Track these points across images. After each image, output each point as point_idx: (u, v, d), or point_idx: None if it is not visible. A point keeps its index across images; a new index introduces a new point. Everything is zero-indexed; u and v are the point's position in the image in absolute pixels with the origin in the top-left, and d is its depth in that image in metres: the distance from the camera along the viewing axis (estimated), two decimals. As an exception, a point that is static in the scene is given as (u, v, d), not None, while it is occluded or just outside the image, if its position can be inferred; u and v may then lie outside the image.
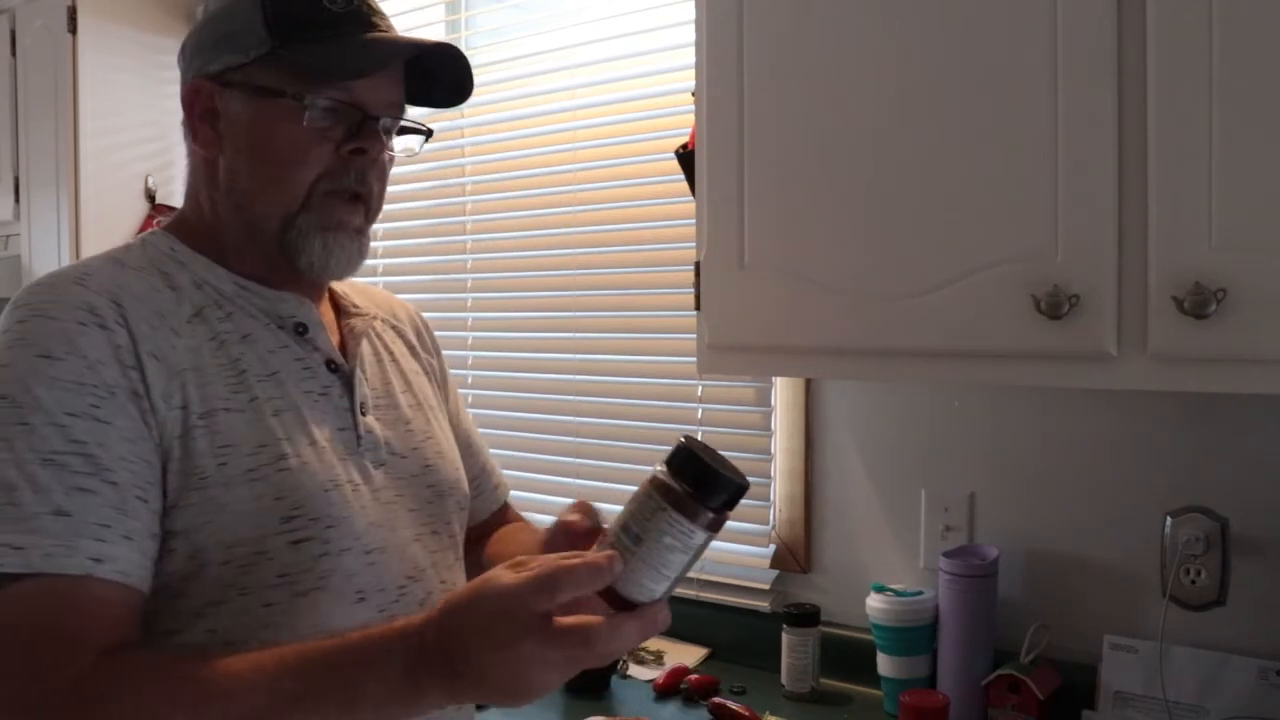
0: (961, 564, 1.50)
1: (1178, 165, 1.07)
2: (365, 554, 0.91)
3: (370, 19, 0.93)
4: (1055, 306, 1.12)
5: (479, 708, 1.57)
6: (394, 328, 1.12)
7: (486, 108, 2.16)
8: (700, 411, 1.87)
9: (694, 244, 1.41)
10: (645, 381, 1.93)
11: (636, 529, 0.72)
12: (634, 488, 0.74)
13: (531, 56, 2.08)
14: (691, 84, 1.43)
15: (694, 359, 1.43)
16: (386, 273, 2.33)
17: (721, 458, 0.76)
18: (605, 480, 1.99)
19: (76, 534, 0.76)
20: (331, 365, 0.96)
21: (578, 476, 2.02)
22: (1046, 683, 1.42)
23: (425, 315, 1.22)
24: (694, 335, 1.42)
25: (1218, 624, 1.37)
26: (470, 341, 2.19)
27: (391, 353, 1.08)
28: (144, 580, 0.80)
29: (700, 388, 1.86)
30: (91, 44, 2.36)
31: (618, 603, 0.72)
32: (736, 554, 1.83)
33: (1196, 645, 1.38)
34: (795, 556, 1.77)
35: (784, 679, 1.64)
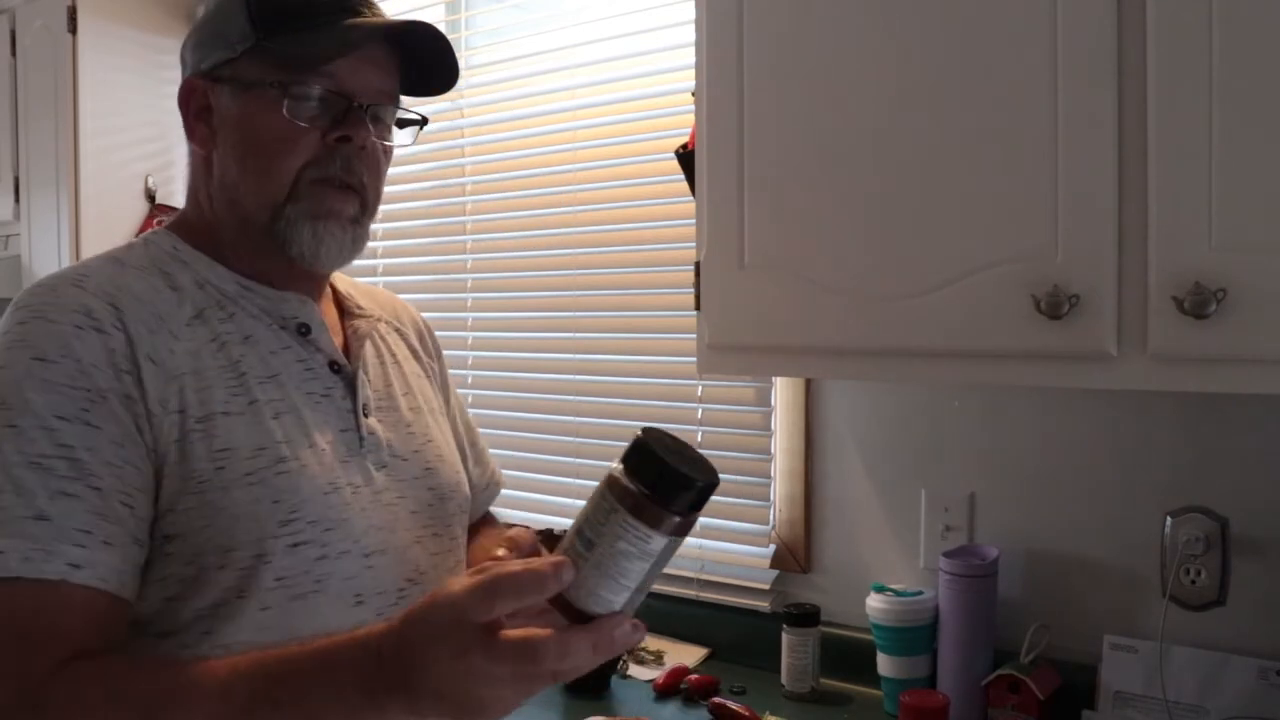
0: (961, 564, 1.50)
1: (1178, 165, 1.07)
2: (364, 557, 0.90)
3: (354, 6, 0.92)
4: (1055, 306, 1.12)
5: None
6: (397, 330, 1.12)
7: (486, 108, 2.16)
8: (700, 411, 1.87)
9: (694, 244, 1.41)
10: (645, 381, 1.93)
11: (590, 533, 0.65)
12: None
13: (531, 56, 2.08)
14: (691, 84, 1.43)
15: (694, 359, 1.43)
16: (386, 273, 2.33)
17: (688, 452, 0.68)
18: (605, 480, 1.98)
19: (56, 539, 0.76)
20: (334, 366, 0.96)
21: (578, 476, 2.02)
22: (1046, 683, 1.42)
23: (425, 315, 1.22)
24: (694, 335, 1.42)
25: (1218, 624, 1.37)
26: (470, 341, 2.19)
27: (394, 355, 1.07)
28: (125, 586, 0.79)
29: (700, 388, 1.86)
30: (91, 44, 2.36)
31: (573, 614, 0.66)
32: (736, 554, 1.83)
33: (1196, 645, 1.38)
34: (795, 556, 1.77)
35: (784, 679, 1.64)
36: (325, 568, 0.87)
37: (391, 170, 1.01)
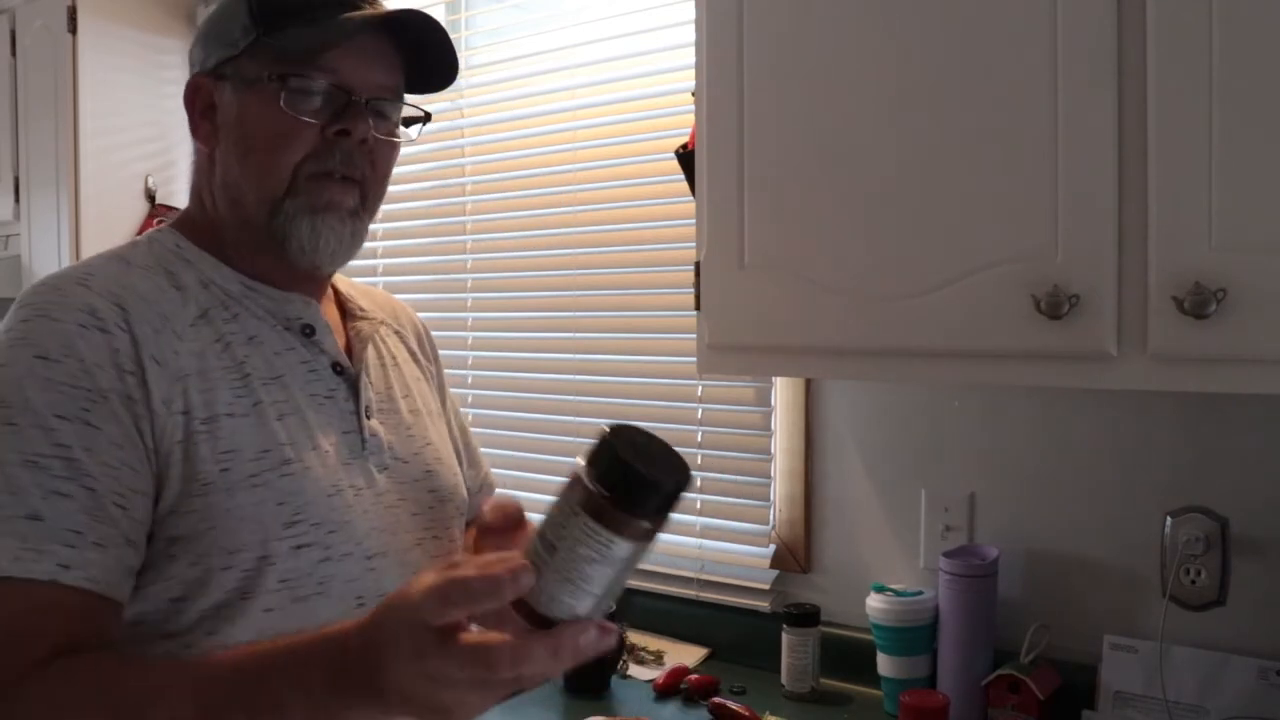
0: (961, 564, 1.50)
1: (1178, 165, 1.07)
2: (366, 559, 0.90)
3: (354, 0, 0.92)
4: (1055, 306, 1.12)
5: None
6: (397, 332, 1.12)
7: (486, 108, 2.16)
8: (700, 411, 1.87)
9: (694, 244, 1.41)
10: (645, 381, 1.93)
11: (551, 536, 0.63)
12: None
13: (531, 56, 2.08)
14: (691, 84, 1.43)
15: (694, 359, 1.43)
16: (386, 273, 2.33)
17: (658, 450, 0.64)
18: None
19: (48, 539, 0.76)
20: (337, 368, 0.96)
21: (578, 476, 2.02)
22: (1046, 683, 1.42)
23: (425, 315, 1.22)
24: (694, 335, 1.42)
25: (1218, 624, 1.37)
26: (470, 341, 2.19)
27: (394, 357, 1.07)
28: (115, 587, 0.79)
29: (700, 388, 1.86)
30: (91, 44, 2.36)
31: (535, 619, 0.63)
32: (736, 554, 1.83)
33: (1196, 645, 1.38)
34: (795, 556, 1.77)
35: (784, 679, 1.64)
36: (328, 569, 0.87)
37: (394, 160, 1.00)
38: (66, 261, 2.33)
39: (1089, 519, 1.49)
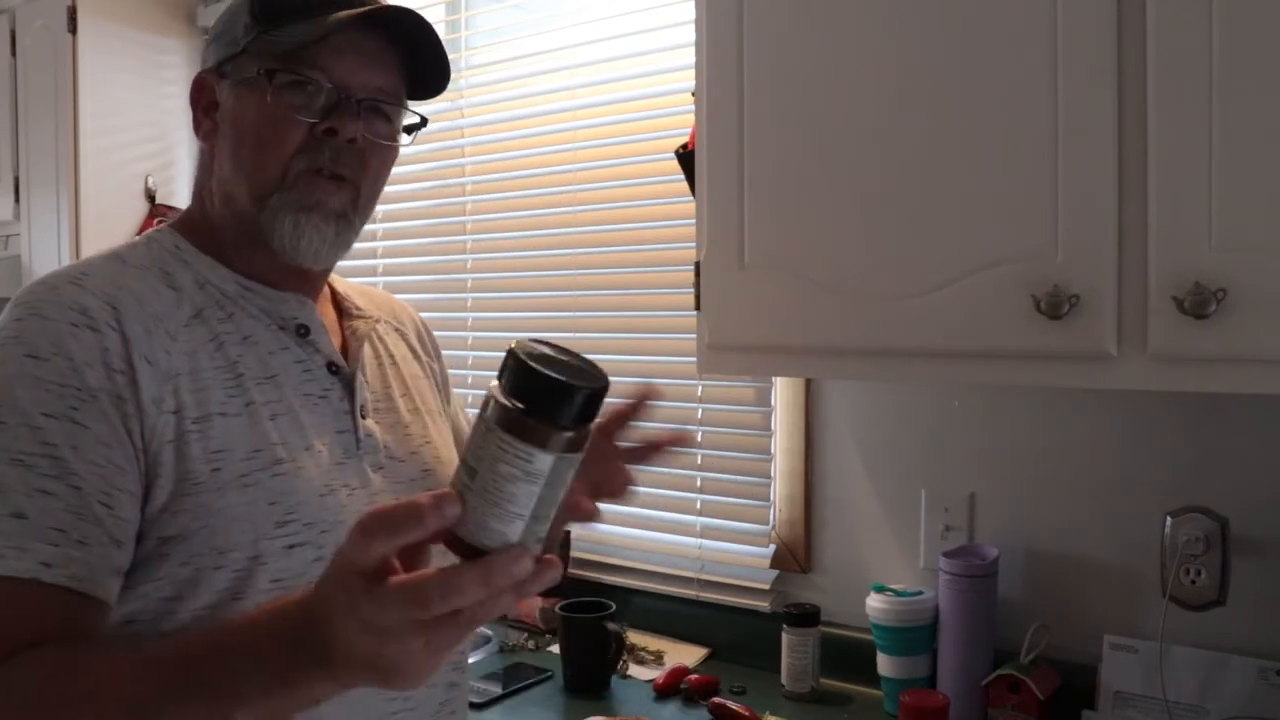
0: (961, 564, 1.50)
1: (1178, 165, 1.07)
2: None
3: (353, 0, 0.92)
4: (1055, 306, 1.12)
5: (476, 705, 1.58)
6: (396, 330, 1.12)
7: (486, 108, 2.16)
8: (700, 411, 1.87)
9: (694, 244, 1.41)
10: (645, 381, 1.92)
11: (471, 460, 0.59)
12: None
13: (531, 56, 2.08)
14: (691, 84, 1.44)
15: (694, 359, 1.43)
16: (386, 273, 2.33)
17: (570, 358, 0.61)
18: (605, 480, 1.99)
19: (30, 536, 0.76)
20: (332, 367, 0.96)
21: (578, 476, 2.02)
22: (1046, 683, 1.42)
23: (425, 315, 1.22)
24: (694, 335, 1.42)
25: (1218, 624, 1.37)
26: (470, 341, 2.19)
27: (393, 356, 1.07)
28: (99, 585, 0.79)
29: (700, 388, 1.86)
30: (91, 44, 2.36)
31: (468, 552, 0.59)
32: (736, 554, 1.83)
33: (1196, 645, 1.38)
34: (795, 556, 1.77)
35: (784, 679, 1.64)
36: (321, 569, 0.87)
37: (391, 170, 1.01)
38: (66, 261, 2.33)
39: (1089, 519, 1.49)
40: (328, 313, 1.02)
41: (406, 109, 0.98)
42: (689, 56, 1.46)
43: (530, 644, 1.88)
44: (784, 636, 1.64)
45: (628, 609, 1.87)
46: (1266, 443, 1.36)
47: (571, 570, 1.97)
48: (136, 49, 2.46)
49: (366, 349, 1.02)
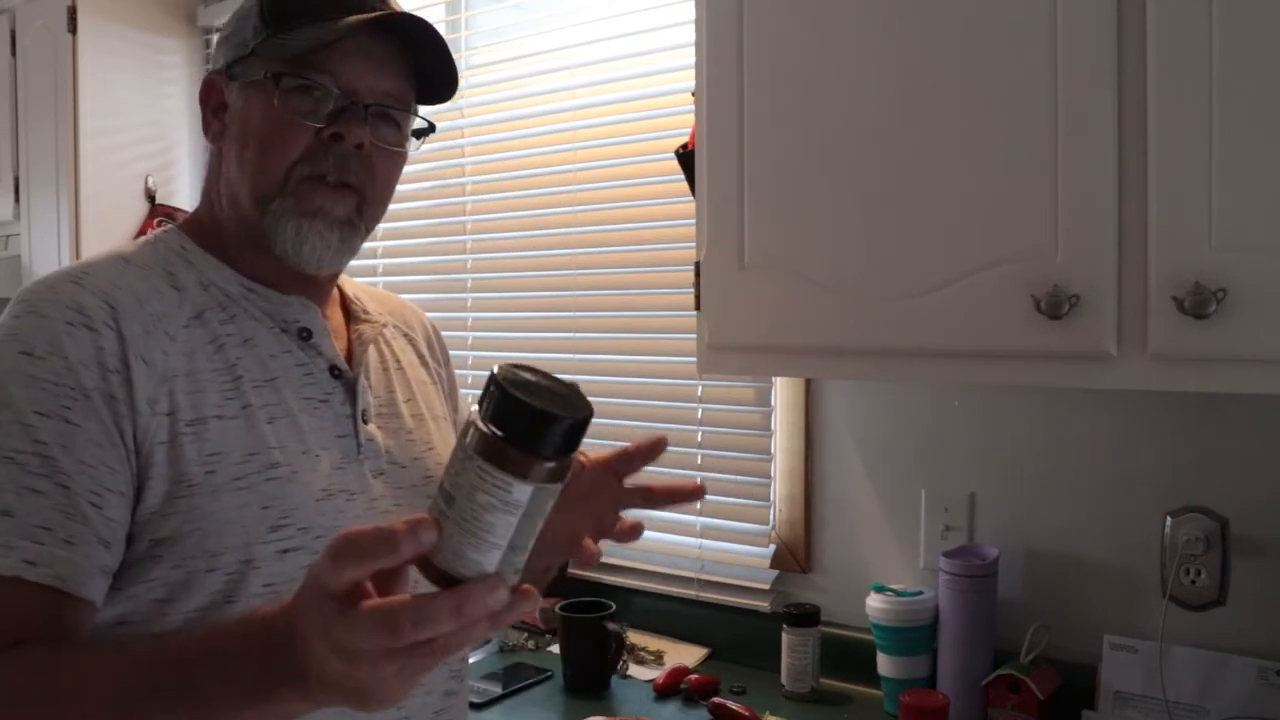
0: (961, 564, 1.50)
1: (1178, 165, 1.07)
2: None
3: (366, 4, 0.91)
4: (1055, 306, 1.12)
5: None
6: (405, 335, 1.11)
7: (486, 108, 2.16)
8: (700, 411, 1.87)
9: (694, 244, 1.41)
10: (645, 381, 1.93)
11: (449, 486, 0.58)
12: None
13: (531, 56, 2.08)
14: (691, 84, 1.44)
15: (694, 359, 1.43)
16: (386, 273, 2.33)
17: (554, 385, 0.59)
18: (605, 480, 1.99)
19: (16, 534, 0.76)
20: (335, 371, 0.95)
21: (578, 476, 2.02)
22: (1046, 683, 1.42)
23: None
24: (694, 335, 1.42)
25: (1218, 624, 1.37)
26: (470, 341, 2.19)
27: (399, 361, 1.06)
28: (84, 585, 0.78)
29: (700, 388, 1.86)
30: (91, 44, 2.37)
31: (443, 580, 0.59)
32: (736, 554, 1.83)
33: (1196, 645, 1.38)
34: (795, 556, 1.77)
35: (784, 679, 1.64)
36: None
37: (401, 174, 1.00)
38: (66, 261, 2.33)
39: (1089, 519, 1.49)
40: (334, 316, 1.01)
41: (415, 114, 0.97)
42: (689, 56, 1.46)
43: (530, 644, 1.88)
44: (784, 636, 1.64)
45: (628, 609, 1.87)
46: (1266, 443, 1.36)
47: (571, 570, 1.97)
48: (136, 49, 2.46)
49: (372, 353, 1.01)
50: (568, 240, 2.03)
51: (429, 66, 0.95)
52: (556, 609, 1.75)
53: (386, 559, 0.58)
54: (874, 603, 1.56)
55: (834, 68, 1.28)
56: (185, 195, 2.58)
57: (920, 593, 1.57)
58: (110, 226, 2.39)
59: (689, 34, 1.46)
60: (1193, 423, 1.41)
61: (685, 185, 1.54)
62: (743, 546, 1.83)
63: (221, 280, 0.93)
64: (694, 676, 1.66)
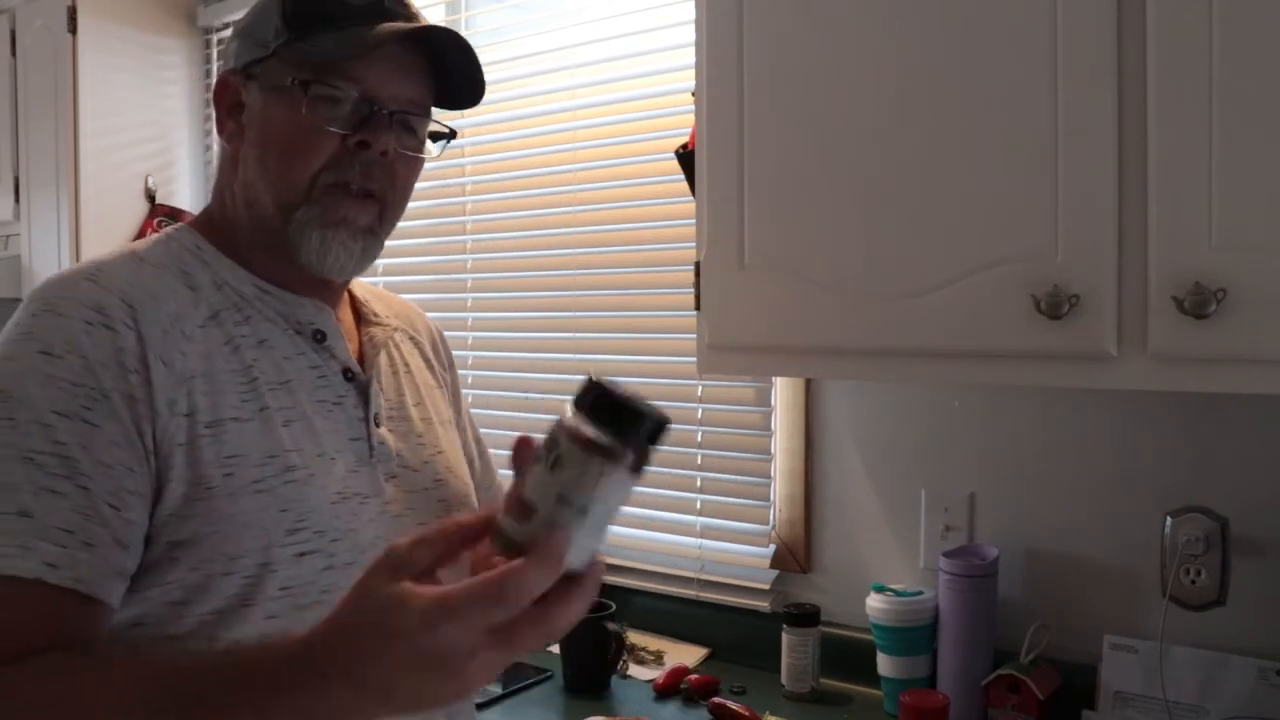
0: (961, 564, 1.50)
1: (1178, 165, 1.07)
2: None
3: (389, 10, 0.91)
4: (1055, 306, 1.12)
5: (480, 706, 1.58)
6: (412, 339, 1.11)
7: (486, 108, 2.13)
8: (700, 411, 1.87)
9: (694, 244, 1.41)
10: (645, 381, 1.93)
11: (580, 501, 0.63)
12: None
13: (531, 56, 2.08)
14: (691, 84, 1.44)
15: (694, 359, 1.43)
16: (386, 273, 2.33)
17: (632, 394, 0.66)
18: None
19: (36, 536, 0.75)
20: (348, 374, 0.95)
21: (578, 476, 2.02)
22: (1046, 683, 1.42)
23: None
24: (694, 335, 1.42)
25: (1218, 624, 1.37)
26: (470, 341, 2.19)
27: (407, 365, 1.06)
28: (103, 587, 0.78)
29: (700, 388, 1.86)
30: (91, 44, 2.37)
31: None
32: (736, 554, 1.83)
33: (1196, 645, 1.38)
34: (795, 556, 1.77)
35: (784, 679, 1.64)
36: (331, 578, 0.86)
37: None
38: (66, 262, 2.33)
39: (1089, 519, 1.49)
40: (345, 318, 1.01)
41: (434, 120, 0.97)
42: (689, 56, 1.46)
43: (530, 644, 1.87)
44: (784, 636, 1.64)
45: (628, 609, 1.87)
46: (1266, 443, 1.36)
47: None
48: (136, 49, 2.46)
49: (383, 357, 1.01)
50: (568, 240, 2.03)
51: (454, 76, 0.95)
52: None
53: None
54: (874, 603, 1.56)
55: (834, 68, 1.28)
56: (185, 195, 2.59)
57: (920, 593, 1.57)
58: (110, 226, 2.39)
59: (689, 34, 1.46)
60: (1193, 423, 1.41)
61: (685, 185, 1.54)
62: (743, 546, 1.83)
63: (235, 280, 0.92)
64: (694, 676, 1.66)
